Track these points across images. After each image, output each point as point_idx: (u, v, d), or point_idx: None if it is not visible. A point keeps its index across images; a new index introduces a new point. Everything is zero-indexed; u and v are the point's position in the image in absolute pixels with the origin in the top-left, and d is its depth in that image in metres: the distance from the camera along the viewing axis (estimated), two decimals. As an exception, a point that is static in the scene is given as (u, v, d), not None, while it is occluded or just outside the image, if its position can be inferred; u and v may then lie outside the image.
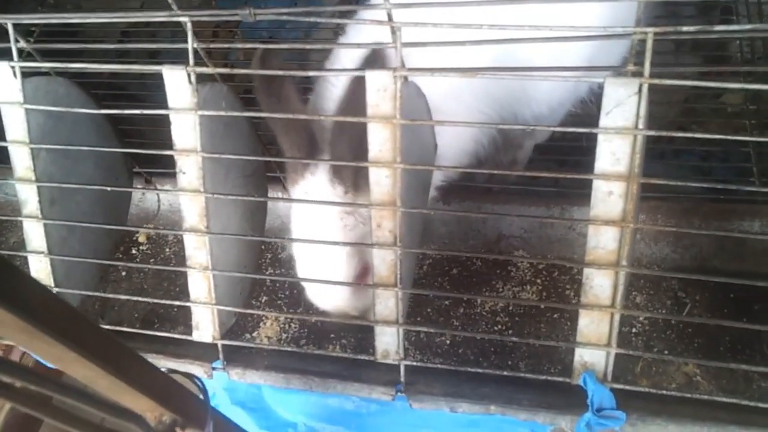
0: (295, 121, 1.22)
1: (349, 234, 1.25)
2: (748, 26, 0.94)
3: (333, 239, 1.23)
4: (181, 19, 1.12)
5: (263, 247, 1.58)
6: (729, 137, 0.99)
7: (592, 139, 1.01)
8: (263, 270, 1.58)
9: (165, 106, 1.19)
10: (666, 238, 1.39)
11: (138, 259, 1.68)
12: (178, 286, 1.58)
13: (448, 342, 1.36)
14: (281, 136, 1.25)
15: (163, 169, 1.62)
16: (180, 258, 1.58)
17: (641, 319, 1.34)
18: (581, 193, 1.41)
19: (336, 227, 1.25)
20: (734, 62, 1.98)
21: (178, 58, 1.22)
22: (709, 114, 2.00)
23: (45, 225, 1.35)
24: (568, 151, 1.68)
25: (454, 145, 1.36)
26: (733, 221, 1.36)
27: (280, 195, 1.59)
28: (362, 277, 1.28)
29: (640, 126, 0.99)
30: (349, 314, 1.31)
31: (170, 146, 1.20)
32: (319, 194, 1.26)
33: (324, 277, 1.27)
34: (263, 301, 1.52)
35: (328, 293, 1.30)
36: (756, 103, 1.70)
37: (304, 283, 1.32)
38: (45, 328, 0.65)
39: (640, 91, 0.97)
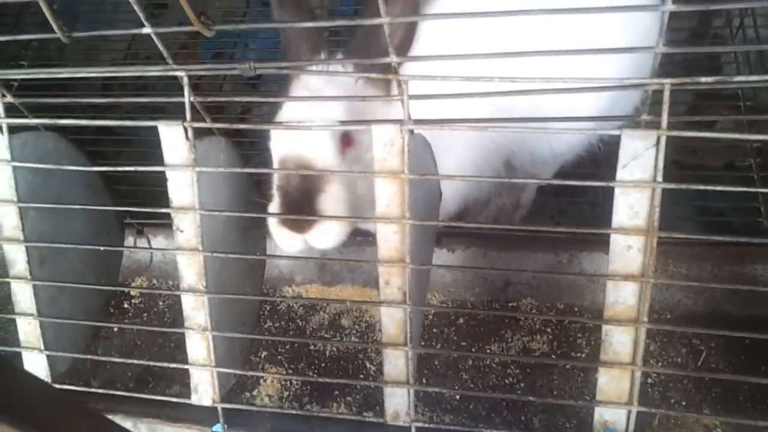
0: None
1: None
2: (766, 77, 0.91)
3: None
4: (178, 73, 1.08)
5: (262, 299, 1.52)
6: (741, 188, 0.96)
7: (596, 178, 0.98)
8: (262, 322, 1.52)
9: (158, 150, 1.14)
10: (688, 285, 1.35)
11: (131, 314, 1.61)
12: (173, 342, 1.52)
13: (458, 398, 1.31)
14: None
15: (155, 219, 1.57)
16: (174, 311, 1.53)
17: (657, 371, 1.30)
18: (590, 239, 1.38)
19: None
20: (726, 98, 1.98)
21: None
22: (706, 148, 1.99)
23: (34, 286, 1.29)
24: (573, 192, 1.65)
25: (458, 187, 1.32)
26: (745, 265, 1.33)
27: (275, 245, 1.54)
28: (346, 146, 1.26)
29: (658, 179, 0.96)
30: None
31: (164, 195, 1.15)
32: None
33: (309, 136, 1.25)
34: (263, 356, 1.46)
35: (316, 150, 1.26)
36: (759, 141, 1.69)
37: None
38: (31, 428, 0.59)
39: (657, 143, 0.94)
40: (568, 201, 1.85)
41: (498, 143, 1.36)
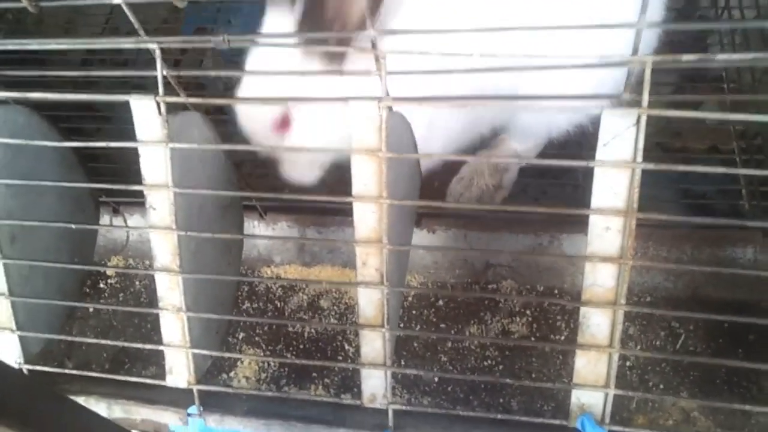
0: None
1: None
2: (751, 55, 0.90)
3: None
4: (150, 46, 1.05)
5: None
6: (724, 170, 0.95)
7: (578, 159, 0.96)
8: (240, 303, 1.51)
9: (133, 130, 1.11)
10: (665, 268, 1.35)
11: (107, 293, 1.59)
12: (149, 323, 1.50)
13: (436, 380, 1.30)
14: None
15: (132, 198, 1.54)
16: (151, 291, 1.51)
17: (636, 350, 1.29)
18: (571, 219, 1.36)
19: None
20: (713, 78, 1.97)
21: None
22: (689, 129, 1.98)
23: (5, 265, 1.26)
24: (556, 173, 1.64)
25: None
26: (725, 248, 1.33)
27: (256, 224, 1.52)
28: (282, 126, 1.29)
29: (638, 159, 0.94)
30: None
31: (139, 177, 1.13)
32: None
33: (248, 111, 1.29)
34: (240, 337, 1.44)
35: (252, 124, 1.32)
36: (743, 122, 1.68)
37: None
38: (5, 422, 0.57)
39: (638, 122, 0.93)
40: (551, 182, 1.84)
41: (483, 117, 1.34)
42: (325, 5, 1.20)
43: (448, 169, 1.63)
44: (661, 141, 1.89)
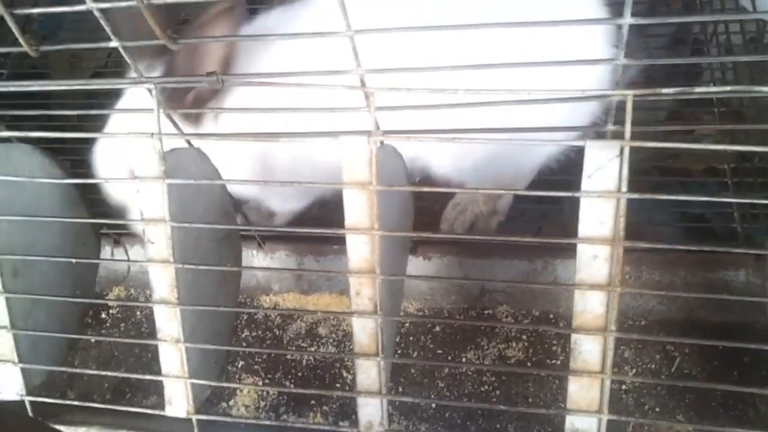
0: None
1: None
2: (727, 88, 0.92)
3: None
4: (146, 86, 1.08)
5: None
6: (713, 199, 0.96)
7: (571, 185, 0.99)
8: (239, 332, 1.52)
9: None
10: (651, 289, 1.36)
11: (108, 323, 1.61)
12: (150, 352, 1.52)
13: (433, 406, 1.31)
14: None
15: (132, 230, 1.57)
16: (152, 321, 1.50)
17: (631, 374, 1.30)
18: (565, 246, 1.38)
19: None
20: (707, 103, 1.99)
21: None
22: (686, 152, 1.99)
23: (7, 299, 1.29)
24: (554, 197, 1.65)
25: None
26: (718, 271, 1.34)
27: (254, 253, 1.54)
28: None
29: (623, 188, 0.96)
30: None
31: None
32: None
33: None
34: (240, 366, 1.46)
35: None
36: (734, 142, 1.69)
37: None
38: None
39: (621, 153, 0.95)
40: (550, 207, 1.85)
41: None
42: (176, 68, 1.25)
43: (445, 195, 1.65)
44: (659, 163, 1.91)
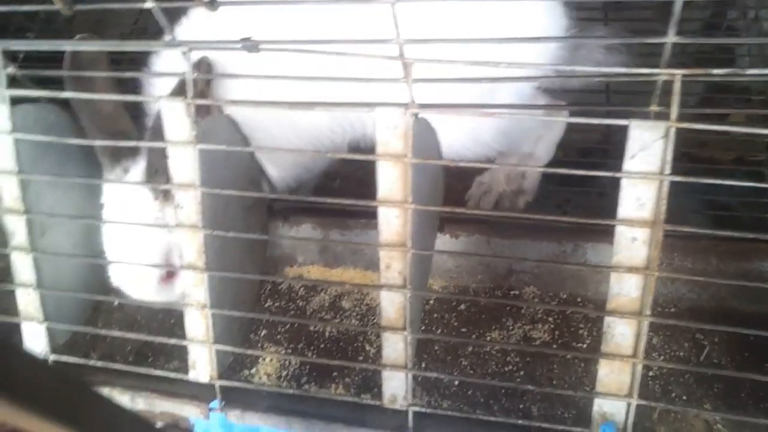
0: (108, 122, 1.31)
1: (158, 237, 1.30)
2: (783, 69, 0.89)
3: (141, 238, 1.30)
4: (180, 49, 1.07)
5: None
6: (750, 183, 0.94)
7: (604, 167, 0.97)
8: (262, 301, 1.52)
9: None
10: (692, 279, 1.34)
11: (132, 288, 1.61)
12: (173, 318, 1.52)
13: (456, 383, 1.30)
14: (90, 133, 1.31)
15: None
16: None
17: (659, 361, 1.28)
18: (595, 228, 1.36)
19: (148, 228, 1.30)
20: (738, 91, 1.94)
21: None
22: (715, 141, 1.96)
23: (34, 257, 1.29)
24: (581, 181, 1.63)
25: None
26: (752, 261, 1.31)
27: (279, 226, 1.53)
28: (168, 277, 1.33)
29: (666, 171, 0.94)
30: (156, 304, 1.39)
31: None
32: (130, 196, 1.34)
33: (131, 270, 1.34)
34: (262, 335, 1.45)
35: (137, 287, 1.36)
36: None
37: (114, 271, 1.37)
38: (26, 404, 0.58)
39: (666, 135, 0.92)
40: (575, 190, 1.83)
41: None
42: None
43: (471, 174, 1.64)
44: (688, 151, 1.87)
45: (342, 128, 1.48)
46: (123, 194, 1.36)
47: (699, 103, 1.95)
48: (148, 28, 2.26)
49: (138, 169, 1.35)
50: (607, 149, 1.83)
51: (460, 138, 1.39)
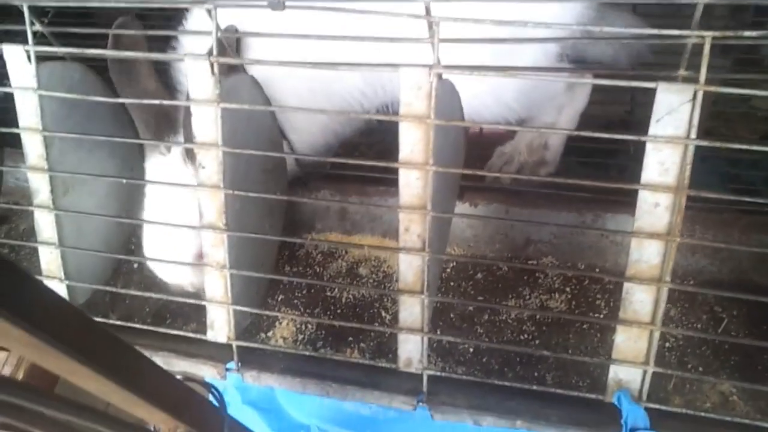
0: (145, 93, 1.31)
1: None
2: (816, 31, 0.88)
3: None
4: (206, 6, 1.07)
5: (281, 244, 1.52)
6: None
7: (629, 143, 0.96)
8: (280, 267, 1.53)
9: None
10: (704, 249, 1.33)
11: (151, 251, 1.63)
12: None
13: (471, 350, 1.31)
14: (134, 113, 1.33)
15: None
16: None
17: (676, 333, 1.28)
18: (615, 199, 1.35)
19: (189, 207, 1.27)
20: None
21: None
22: (738, 118, 1.93)
23: (57, 216, 1.31)
24: (602, 155, 1.62)
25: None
26: (774, 234, 1.30)
27: (298, 191, 1.54)
28: (200, 256, 1.32)
29: (692, 135, 0.93)
30: (186, 289, 1.41)
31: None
32: (172, 172, 1.35)
33: (168, 252, 1.35)
34: (279, 299, 1.46)
35: (171, 270, 1.40)
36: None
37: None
38: (55, 343, 0.59)
39: (694, 98, 0.91)
40: (597, 162, 1.82)
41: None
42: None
43: (493, 144, 1.63)
44: (711, 127, 1.85)
45: (374, 91, 1.47)
46: (165, 172, 1.38)
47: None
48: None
49: (178, 148, 1.37)
50: (630, 124, 1.81)
51: (482, 97, 1.38)
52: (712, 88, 0.90)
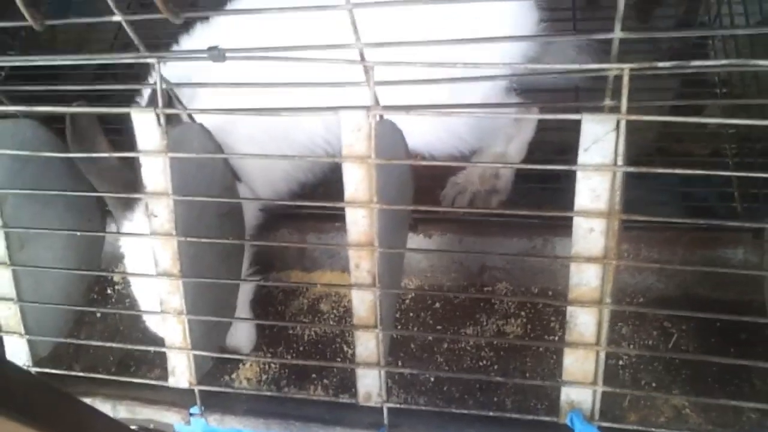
0: (108, 169, 1.33)
1: None
2: (724, 61, 0.93)
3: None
4: (149, 60, 1.10)
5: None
6: (712, 172, 0.98)
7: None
8: (243, 307, 1.54)
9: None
10: (650, 267, 1.37)
11: (114, 299, 1.63)
12: (155, 328, 1.54)
13: (432, 380, 1.33)
14: (102, 188, 1.35)
15: (137, 206, 1.58)
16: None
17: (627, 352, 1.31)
18: (564, 224, 1.39)
19: None
20: (712, 85, 1.98)
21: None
22: (690, 134, 1.99)
23: (14, 271, 1.31)
24: (558, 178, 1.66)
25: None
26: (717, 249, 1.35)
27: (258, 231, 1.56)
28: None
29: (619, 162, 0.97)
30: None
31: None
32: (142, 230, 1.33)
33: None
34: (242, 340, 1.47)
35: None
36: (736, 126, 1.69)
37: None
38: (7, 412, 0.61)
39: (618, 127, 0.96)
40: (552, 188, 1.86)
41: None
42: None
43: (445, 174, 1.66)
44: (663, 145, 1.91)
45: (337, 137, 1.48)
46: (136, 241, 1.38)
47: (675, 98, 1.99)
48: (129, 43, 2.28)
49: (141, 212, 1.36)
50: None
51: (435, 131, 1.42)
52: (634, 117, 0.95)
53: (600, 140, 0.97)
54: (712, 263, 1.36)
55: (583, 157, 0.98)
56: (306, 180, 1.62)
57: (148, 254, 1.29)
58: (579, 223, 1.01)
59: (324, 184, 1.95)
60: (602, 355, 1.06)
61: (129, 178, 1.32)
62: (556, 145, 1.94)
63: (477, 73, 1.03)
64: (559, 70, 1.05)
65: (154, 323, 1.40)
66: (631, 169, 0.97)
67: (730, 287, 1.34)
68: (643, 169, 0.98)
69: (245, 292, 1.46)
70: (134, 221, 1.37)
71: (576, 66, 0.99)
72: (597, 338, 1.06)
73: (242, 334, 1.45)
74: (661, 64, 0.92)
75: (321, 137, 1.51)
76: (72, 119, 1.26)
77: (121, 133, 1.57)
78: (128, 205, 1.37)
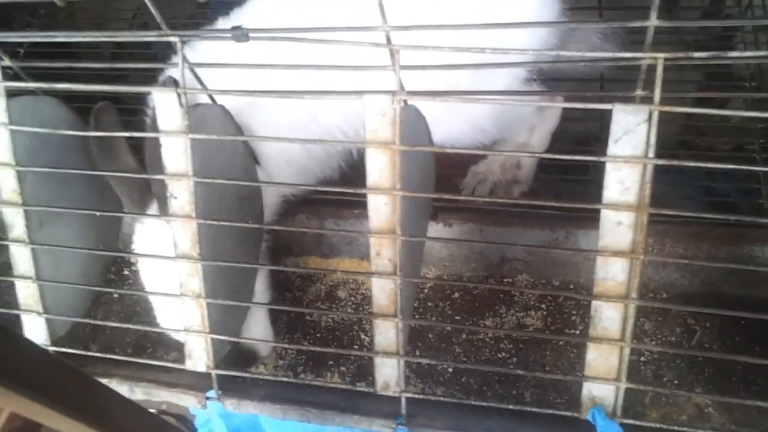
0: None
1: None
2: (762, 53, 0.90)
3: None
4: (172, 39, 1.08)
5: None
6: (743, 167, 0.95)
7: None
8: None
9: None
10: (674, 262, 1.34)
11: (131, 281, 1.63)
12: (172, 309, 1.53)
13: (450, 370, 1.32)
14: (118, 189, 1.35)
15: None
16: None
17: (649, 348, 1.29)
18: (586, 216, 1.37)
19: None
20: (738, 77, 1.94)
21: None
22: (714, 128, 1.96)
23: (33, 249, 1.31)
24: (579, 170, 1.64)
25: None
26: (743, 246, 1.32)
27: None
28: None
29: (650, 154, 0.95)
30: None
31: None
32: (155, 236, 1.34)
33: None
34: (260, 325, 1.47)
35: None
36: (764, 121, 1.66)
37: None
38: (20, 389, 0.60)
39: (650, 118, 0.93)
40: (571, 180, 1.83)
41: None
42: None
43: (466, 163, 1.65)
44: (686, 140, 1.87)
45: (355, 130, 1.46)
46: (149, 238, 1.37)
47: (700, 91, 1.95)
48: (148, 23, 2.28)
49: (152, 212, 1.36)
50: (604, 139, 1.83)
51: (458, 123, 1.40)
52: (667, 108, 0.92)
53: (631, 131, 0.94)
54: (739, 260, 1.33)
55: (613, 149, 0.96)
56: (323, 175, 1.58)
57: (162, 264, 1.29)
58: (607, 216, 0.99)
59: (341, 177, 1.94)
60: (626, 351, 1.05)
61: (144, 182, 1.33)
62: (575, 136, 1.92)
63: (505, 59, 1.01)
64: (590, 58, 1.02)
65: (165, 321, 1.38)
66: (663, 161, 0.95)
67: (756, 285, 1.31)
68: (675, 162, 0.95)
69: (261, 295, 1.44)
70: (146, 224, 1.37)
71: (609, 54, 0.97)
72: (622, 334, 1.04)
73: (259, 335, 1.42)
74: (697, 54, 0.90)
75: (338, 129, 1.48)
76: (96, 120, 1.26)
77: (137, 114, 1.57)
78: (142, 207, 1.36)
